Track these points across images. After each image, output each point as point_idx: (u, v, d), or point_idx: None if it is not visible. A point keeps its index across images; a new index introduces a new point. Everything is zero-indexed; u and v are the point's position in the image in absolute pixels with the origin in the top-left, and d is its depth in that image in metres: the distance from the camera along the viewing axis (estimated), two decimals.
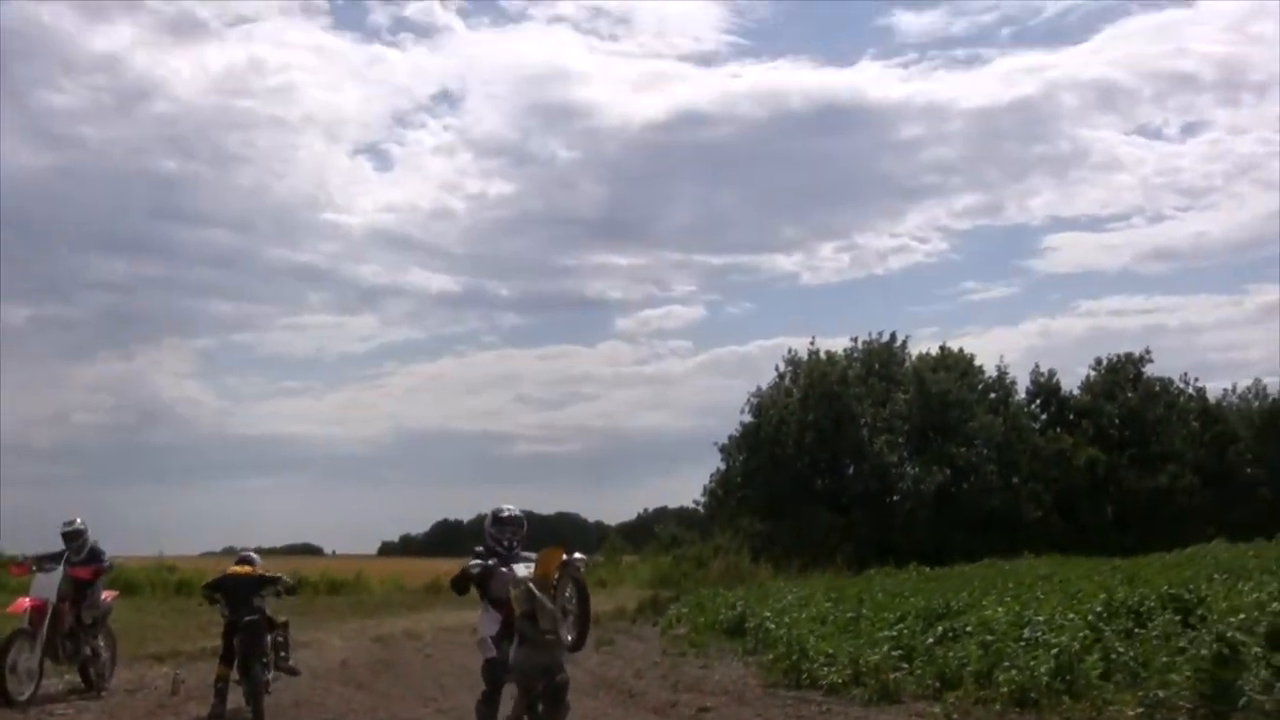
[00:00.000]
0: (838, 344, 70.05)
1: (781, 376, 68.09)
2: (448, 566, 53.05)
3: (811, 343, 69.84)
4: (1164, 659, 14.60)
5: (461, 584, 12.77)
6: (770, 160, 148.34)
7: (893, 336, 70.09)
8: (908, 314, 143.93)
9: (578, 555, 11.60)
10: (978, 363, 70.94)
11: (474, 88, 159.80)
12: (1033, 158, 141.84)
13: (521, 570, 11.90)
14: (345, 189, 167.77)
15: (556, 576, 11.29)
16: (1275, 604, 17.09)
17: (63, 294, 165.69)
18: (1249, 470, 71.95)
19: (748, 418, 67.17)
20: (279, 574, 17.65)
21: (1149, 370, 73.90)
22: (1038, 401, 73.36)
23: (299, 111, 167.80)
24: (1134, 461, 69.22)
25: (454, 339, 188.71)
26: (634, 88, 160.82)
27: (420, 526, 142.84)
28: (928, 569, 44.21)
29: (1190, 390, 74.57)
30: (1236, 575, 25.11)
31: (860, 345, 69.49)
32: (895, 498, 64.32)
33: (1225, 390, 77.59)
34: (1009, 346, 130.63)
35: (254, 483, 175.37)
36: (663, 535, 64.46)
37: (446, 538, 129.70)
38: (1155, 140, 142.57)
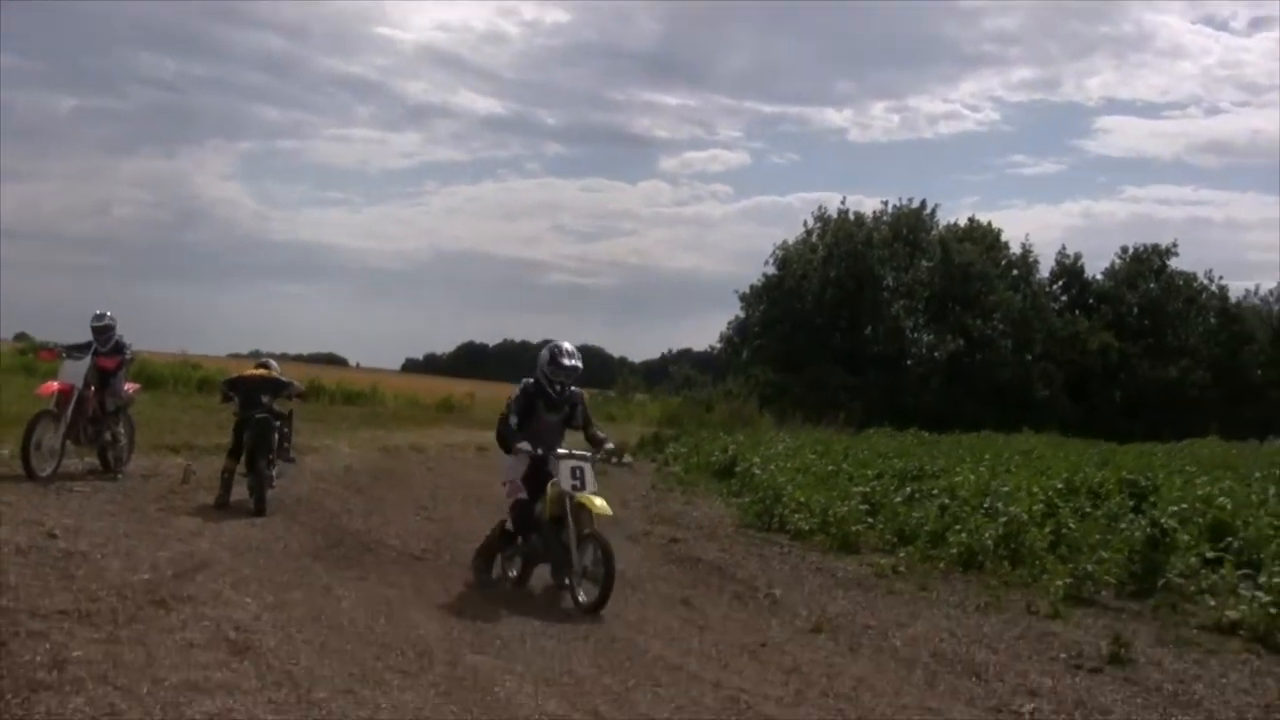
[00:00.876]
0: (873, 205, 70.76)
1: (809, 232, 68.70)
2: (467, 388, 54.31)
3: (843, 201, 70.70)
4: (1104, 537, 15.50)
5: (506, 444, 12.64)
6: (832, 11, 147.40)
7: (923, 204, 70.66)
8: (952, 181, 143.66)
9: (625, 457, 12.75)
10: (1004, 238, 71.42)
11: None
12: (1096, 36, 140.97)
13: (565, 469, 12.13)
14: (401, 3, 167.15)
15: (578, 528, 11.89)
16: (1221, 499, 18.02)
17: (110, 87, 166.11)
18: (1260, 371, 72.54)
19: (771, 269, 67.87)
20: (292, 379, 18.66)
21: (1174, 264, 74.18)
22: (1060, 283, 73.78)
23: None
24: (1148, 351, 70.24)
25: (496, 163, 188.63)
26: None
27: (446, 346, 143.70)
28: (926, 433, 45.05)
29: (1213, 288, 74.85)
30: (1210, 469, 26.03)
31: (890, 209, 69.89)
32: (909, 362, 65.40)
33: (1247, 291, 77.98)
34: (1050, 224, 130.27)
35: (286, 289, 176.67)
36: (676, 375, 65.42)
37: (471, 359, 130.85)
38: (1221, 31, 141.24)
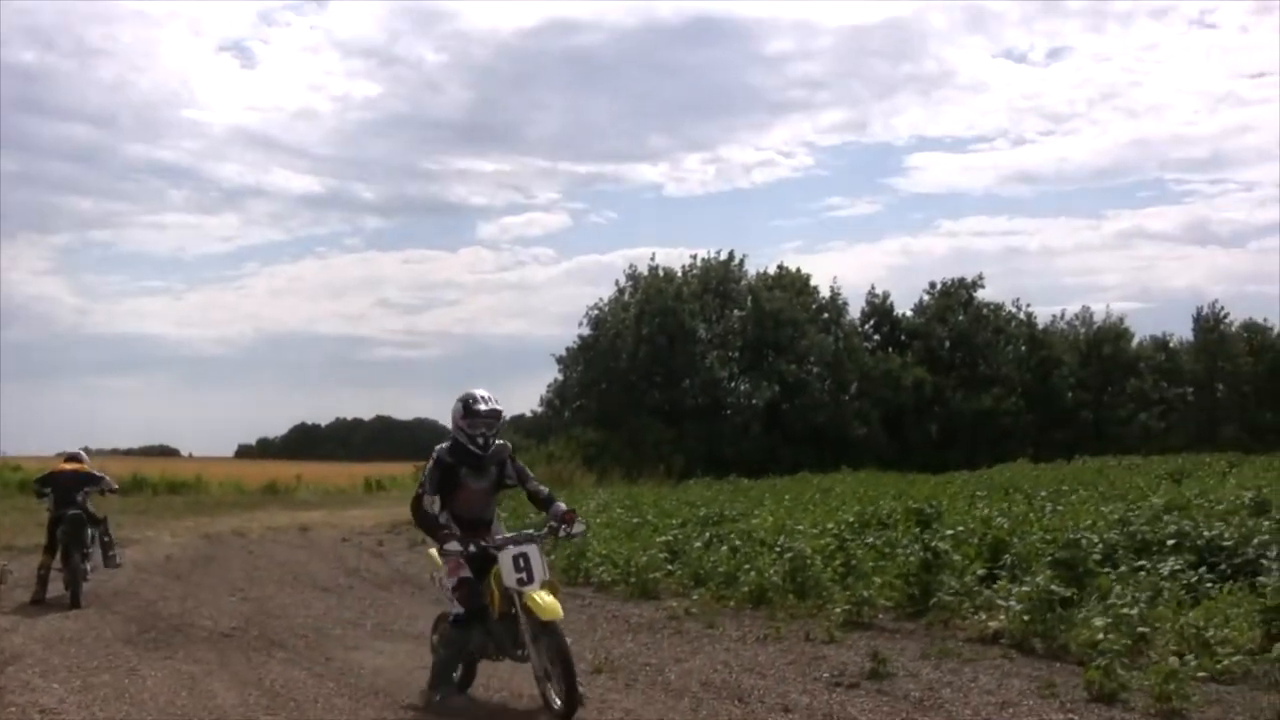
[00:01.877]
0: (682, 260, 72.10)
1: (621, 290, 69.60)
2: (298, 470, 54.43)
3: (652, 257, 71.82)
4: (882, 564, 16.47)
5: (431, 534, 10.76)
6: (638, 70, 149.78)
7: (731, 254, 71.91)
8: (771, 228, 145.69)
9: (576, 527, 11.07)
10: (814, 283, 73.01)
11: None
12: (900, 76, 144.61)
13: (506, 561, 10.29)
14: (208, 86, 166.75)
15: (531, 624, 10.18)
16: (999, 519, 19.14)
17: None
18: (1070, 394, 74.98)
19: (586, 330, 68.78)
20: (103, 474, 19.09)
21: (982, 295, 76.64)
22: (871, 322, 75.65)
23: (163, 6, 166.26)
24: (961, 382, 72.38)
25: (316, 241, 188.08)
26: None
27: (279, 429, 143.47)
28: (745, 480, 46.21)
29: (1021, 315, 77.47)
30: (1002, 492, 27.37)
31: (699, 262, 71.10)
32: (727, 412, 66.43)
33: (1054, 315, 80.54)
34: (871, 263, 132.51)
35: (111, 382, 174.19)
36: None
37: (304, 440, 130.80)
38: (1021, 64, 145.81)
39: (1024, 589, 13.43)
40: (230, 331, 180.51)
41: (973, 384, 72.29)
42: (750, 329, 67.97)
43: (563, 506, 10.99)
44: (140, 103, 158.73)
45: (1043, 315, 79.46)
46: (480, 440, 10.71)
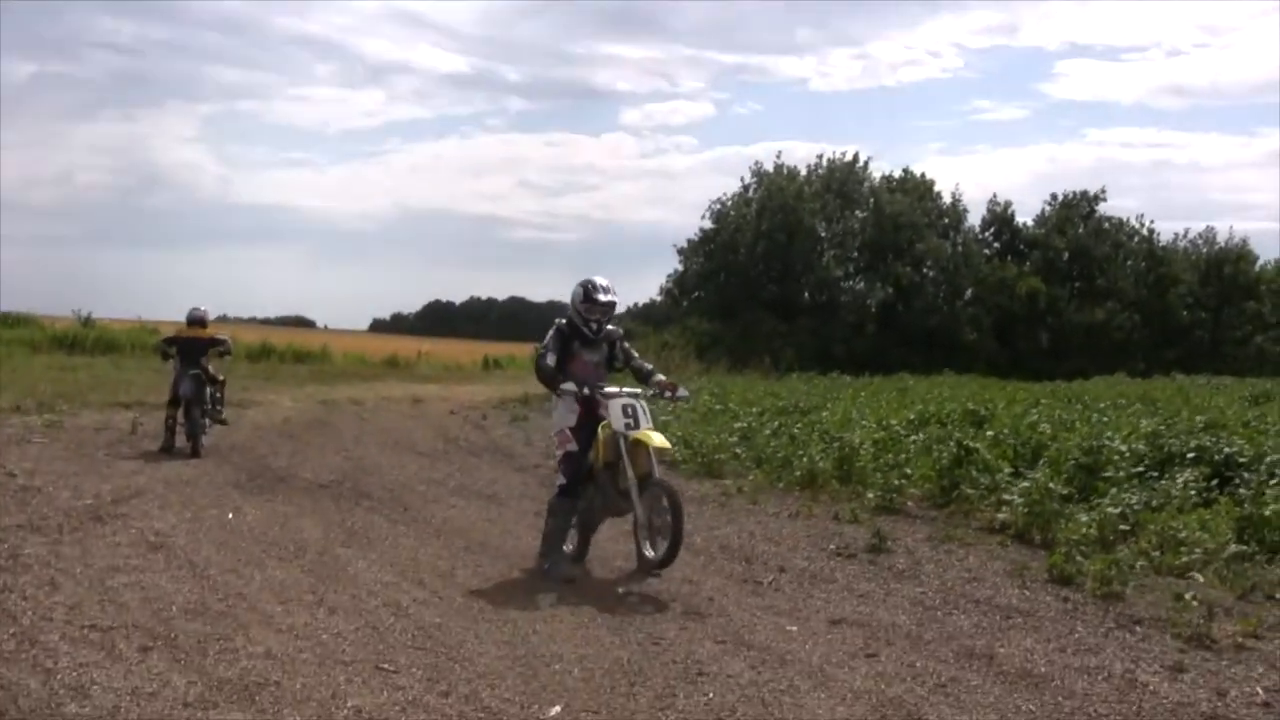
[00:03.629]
0: (814, 156, 72.97)
1: (746, 187, 70.87)
2: (430, 346, 56.40)
3: (778, 156, 72.87)
4: (920, 457, 18.02)
5: (548, 383, 11.46)
6: None
7: (855, 156, 72.58)
8: (915, 128, 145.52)
9: (680, 392, 11.82)
10: (937, 188, 73.71)
11: None
12: None
13: (616, 408, 11.09)
14: None
15: (637, 469, 10.97)
16: (1044, 425, 20.55)
17: (68, 52, 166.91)
18: (1185, 312, 74.80)
19: (708, 223, 70.05)
20: (224, 336, 21.02)
21: (1103, 208, 76.75)
22: (991, 230, 76.02)
23: None
24: (1075, 294, 72.59)
25: (459, 120, 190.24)
26: None
27: (413, 305, 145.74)
28: (847, 376, 47.84)
29: (1143, 231, 77.26)
30: (1071, 401, 28.66)
31: (824, 163, 71.99)
32: (840, 310, 67.48)
33: (1176, 234, 79.59)
34: (1017, 169, 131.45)
35: (251, 252, 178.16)
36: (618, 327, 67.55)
37: (437, 317, 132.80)
38: None
39: (1026, 485, 14.93)
40: (370, 206, 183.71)
41: (1087, 296, 72.56)
42: (869, 230, 69.05)
43: (663, 378, 11.79)
44: None
45: (1166, 233, 79.11)
46: (594, 325, 11.41)
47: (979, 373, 55.81)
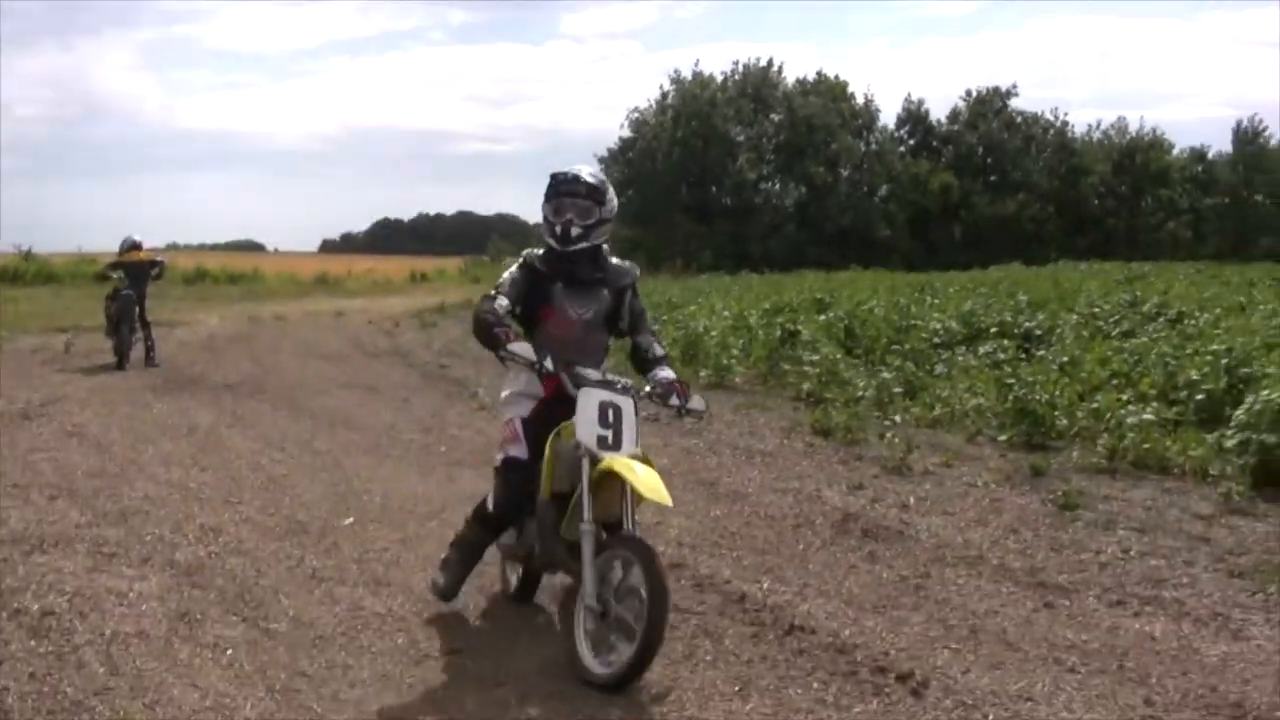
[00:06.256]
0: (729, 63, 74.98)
1: (665, 95, 73.33)
2: (371, 264, 58.56)
3: (696, 63, 74.78)
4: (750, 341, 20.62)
5: (486, 336, 6.78)
6: None
7: (770, 61, 74.99)
8: (861, 24, 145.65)
9: (695, 402, 7.20)
10: (850, 90, 75.98)
11: None
12: None
13: (589, 405, 6.63)
14: None
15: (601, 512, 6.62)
16: (877, 309, 23.23)
17: None
18: (1098, 201, 77.94)
19: (627, 132, 72.67)
20: (160, 258, 23.23)
21: (1015, 103, 79.34)
22: (906, 128, 78.54)
23: None
24: (988, 188, 75.42)
25: (401, 35, 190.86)
26: None
27: (363, 224, 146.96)
28: (756, 274, 50.59)
29: (1056, 124, 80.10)
30: (923, 289, 31.37)
31: (740, 68, 74.38)
32: (756, 212, 70.15)
33: (1090, 125, 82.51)
34: (955, 63, 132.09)
35: (199, 178, 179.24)
36: (538, 233, 69.55)
37: (387, 235, 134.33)
38: None
39: (815, 358, 17.57)
40: (316, 127, 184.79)
41: (1000, 189, 75.43)
42: (784, 133, 71.49)
43: (672, 375, 7.30)
44: None
45: (1080, 125, 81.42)
46: (563, 229, 6.95)
47: (892, 267, 58.30)
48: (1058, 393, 13.79)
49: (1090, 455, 12.24)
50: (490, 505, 7.28)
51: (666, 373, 7.29)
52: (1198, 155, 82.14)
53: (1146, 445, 12.01)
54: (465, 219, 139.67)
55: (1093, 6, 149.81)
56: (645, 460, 6.67)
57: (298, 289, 49.51)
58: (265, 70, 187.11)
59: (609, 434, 6.61)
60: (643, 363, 7.44)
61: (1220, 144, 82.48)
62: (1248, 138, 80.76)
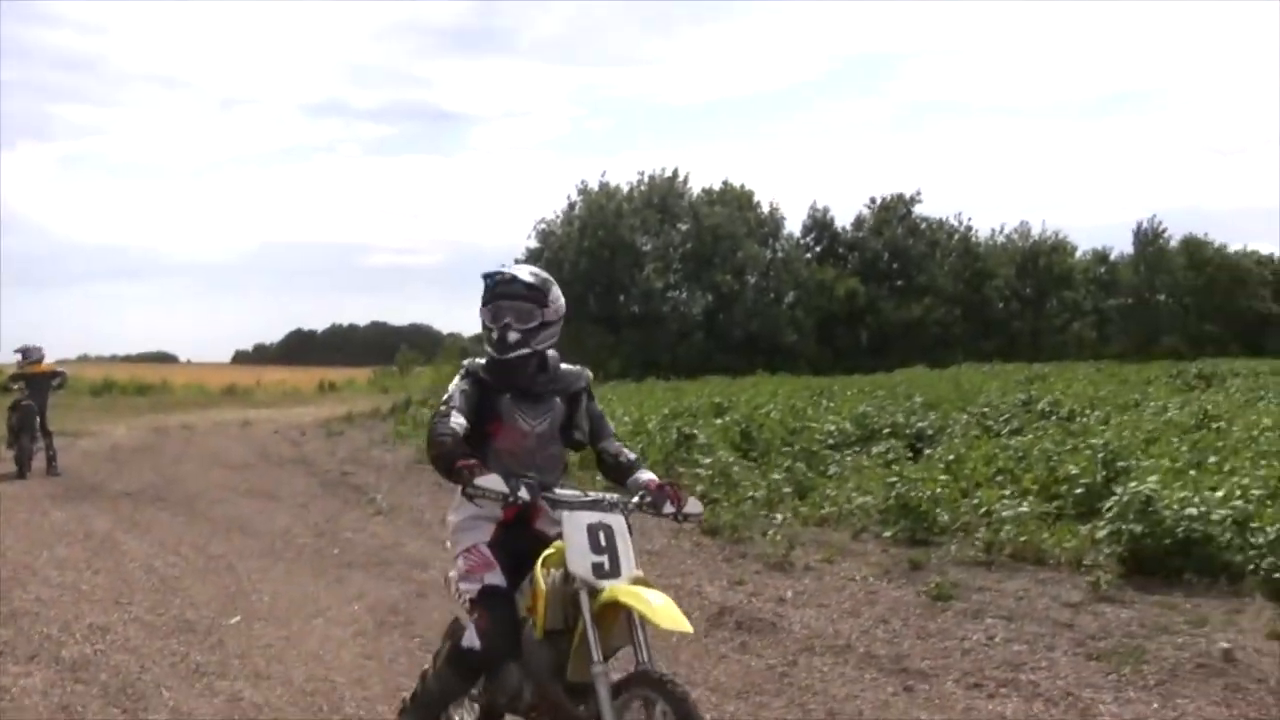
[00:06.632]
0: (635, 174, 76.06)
1: (572, 205, 73.73)
2: (282, 375, 58.41)
3: (603, 174, 75.47)
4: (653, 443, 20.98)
5: (448, 470, 5.78)
6: None
7: (675, 171, 75.87)
8: (771, 132, 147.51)
9: (691, 506, 6.10)
10: (757, 199, 76.86)
11: None
12: None
13: (577, 531, 5.67)
14: None
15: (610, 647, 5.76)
16: (773, 413, 23.68)
17: None
18: (1002, 304, 78.79)
19: (534, 243, 73.10)
20: (61, 370, 23.45)
21: (920, 210, 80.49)
22: (812, 235, 79.42)
23: None
24: (894, 292, 76.06)
25: (314, 149, 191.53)
26: None
27: (276, 334, 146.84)
28: (662, 381, 51.37)
29: (961, 229, 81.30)
30: (821, 393, 31.91)
31: (646, 179, 75.06)
32: (664, 320, 70.62)
33: (993, 229, 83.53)
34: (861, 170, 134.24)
35: (111, 289, 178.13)
36: (451, 346, 69.85)
37: (300, 345, 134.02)
38: None
39: (708, 460, 17.96)
40: (229, 239, 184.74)
41: (906, 294, 75.88)
42: (690, 242, 72.07)
43: (654, 477, 6.30)
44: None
45: (984, 230, 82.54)
46: (500, 335, 6.19)
47: (799, 372, 58.24)
48: (940, 490, 14.14)
49: (969, 549, 12.57)
50: (475, 643, 5.90)
51: (649, 475, 6.29)
52: (1100, 257, 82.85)
53: (1024, 538, 12.39)
54: (379, 329, 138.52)
55: (993, 113, 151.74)
56: (645, 583, 5.74)
57: (206, 399, 49.58)
58: (177, 184, 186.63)
59: (604, 560, 5.67)
60: (616, 470, 6.41)
61: (1122, 245, 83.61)
62: (1148, 239, 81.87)
